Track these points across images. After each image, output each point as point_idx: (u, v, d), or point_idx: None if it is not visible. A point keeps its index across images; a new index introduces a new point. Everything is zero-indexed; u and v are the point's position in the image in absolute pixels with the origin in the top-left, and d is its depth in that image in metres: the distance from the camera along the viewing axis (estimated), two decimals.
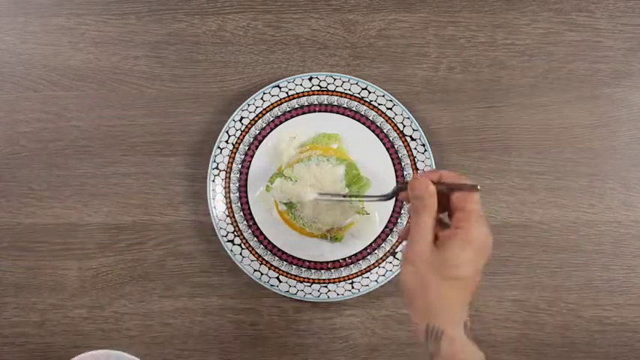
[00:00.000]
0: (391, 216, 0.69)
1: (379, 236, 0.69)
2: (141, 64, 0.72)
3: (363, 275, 0.68)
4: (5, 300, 0.70)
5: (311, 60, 0.72)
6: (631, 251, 0.70)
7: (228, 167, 0.69)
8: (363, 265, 0.69)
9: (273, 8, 0.73)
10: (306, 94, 0.70)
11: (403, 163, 0.69)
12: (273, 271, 0.68)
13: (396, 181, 0.69)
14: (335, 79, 0.69)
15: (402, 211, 0.69)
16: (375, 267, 0.68)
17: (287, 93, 0.70)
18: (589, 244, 0.70)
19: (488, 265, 0.70)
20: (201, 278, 0.70)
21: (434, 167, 0.68)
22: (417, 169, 0.69)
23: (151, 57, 0.73)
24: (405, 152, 0.69)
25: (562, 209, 0.71)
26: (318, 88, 0.70)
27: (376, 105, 0.69)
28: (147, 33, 0.73)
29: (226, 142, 0.69)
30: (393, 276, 0.68)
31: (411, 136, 0.69)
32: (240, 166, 0.70)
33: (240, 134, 0.70)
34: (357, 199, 0.64)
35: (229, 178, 0.69)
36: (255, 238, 0.69)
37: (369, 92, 0.69)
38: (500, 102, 0.72)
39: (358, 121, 0.70)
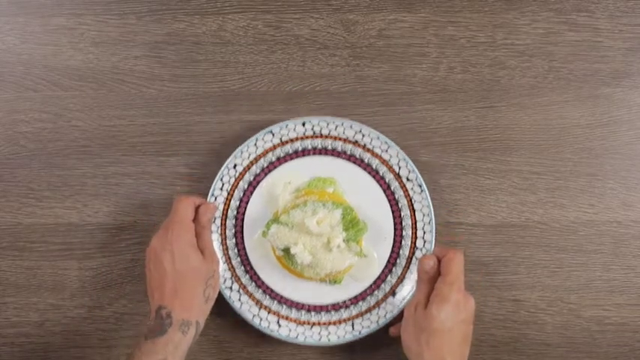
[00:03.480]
0: (390, 256, 0.68)
1: (379, 277, 0.68)
2: (141, 64, 0.72)
3: (364, 317, 0.68)
4: (5, 300, 0.70)
5: (311, 60, 0.72)
6: (631, 251, 0.70)
7: (223, 215, 0.68)
8: (363, 306, 0.68)
9: (273, 8, 0.73)
10: (299, 138, 0.69)
11: (400, 204, 0.68)
12: (273, 315, 0.67)
13: (393, 222, 0.69)
14: (328, 123, 0.69)
15: (401, 252, 0.68)
16: (375, 308, 0.68)
17: (280, 139, 0.69)
18: (589, 244, 0.70)
19: (489, 264, 0.70)
20: None
21: (431, 207, 0.67)
22: (415, 210, 0.68)
23: (151, 57, 0.73)
24: (402, 193, 0.68)
25: (562, 209, 0.71)
26: (312, 132, 0.69)
27: (371, 147, 0.68)
28: (147, 33, 0.73)
29: (220, 189, 0.68)
30: (394, 316, 0.67)
31: (407, 177, 0.68)
32: (235, 212, 0.69)
33: (234, 181, 0.69)
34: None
35: (225, 224, 0.68)
36: (254, 283, 0.68)
37: (364, 135, 0.68)
38: (500, 102, 0.72)
39: (354, 163, 0.69)
